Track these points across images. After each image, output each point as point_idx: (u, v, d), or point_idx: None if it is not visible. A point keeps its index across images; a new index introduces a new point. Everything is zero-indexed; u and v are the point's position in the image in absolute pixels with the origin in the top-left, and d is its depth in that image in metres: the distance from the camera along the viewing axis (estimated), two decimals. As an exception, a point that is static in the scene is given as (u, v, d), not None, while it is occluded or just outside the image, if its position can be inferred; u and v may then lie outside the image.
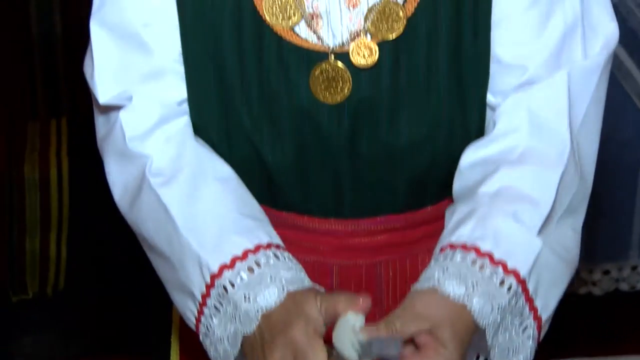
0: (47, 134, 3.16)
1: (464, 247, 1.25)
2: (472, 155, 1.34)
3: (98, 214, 2.79)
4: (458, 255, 1.24)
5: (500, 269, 1.23)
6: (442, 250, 1.27)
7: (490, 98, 1.35)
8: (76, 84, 3.17)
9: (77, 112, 3.23)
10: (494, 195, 1.29)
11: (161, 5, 1.33)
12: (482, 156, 1.33)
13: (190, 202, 1.31)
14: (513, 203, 1.27)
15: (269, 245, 1.27)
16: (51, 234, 3.05)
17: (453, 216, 1.31)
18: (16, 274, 3.02)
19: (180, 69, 1.35)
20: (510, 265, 1.23)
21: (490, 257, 1.23)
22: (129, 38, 1.33)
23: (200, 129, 1.36)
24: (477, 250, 1.24)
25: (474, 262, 1.23)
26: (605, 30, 1.34)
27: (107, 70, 1.34)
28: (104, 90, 1.34)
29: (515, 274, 1.23)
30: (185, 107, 1.36)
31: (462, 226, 1.27)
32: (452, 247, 1.26)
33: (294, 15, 1.31)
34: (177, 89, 1.35)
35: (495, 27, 1.33)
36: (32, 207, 3.03)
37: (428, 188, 1.39)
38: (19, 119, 3.19)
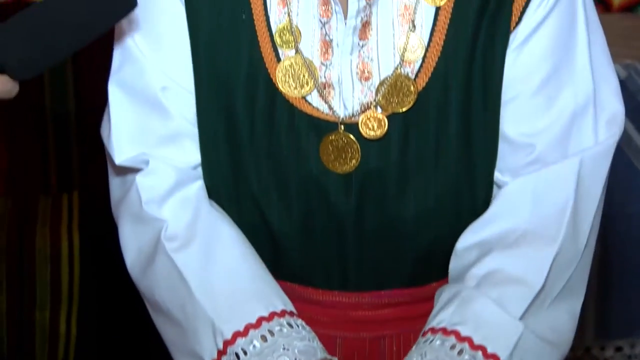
0: (58, 208, 3.16)
1: (444, 332, 1.25)
2: (470, 239, 1.33)
3: (109, 288, 2.79)
4: (437, 340, 1.25)
5: (479, 354, 1.23)
6: (424, 334, 1.27)
7: (497, 175, 1.35)
8: (88, 159, 3.20)
9: (89, 187, 3.25)
10: (481, 278, 1.29)
11: (179, 68, 1.34)
12: (479, 239, 1.32)
13: (205, 267, 1.30)
14: (498, 286, 1.27)
15: (282, 313, 1.28)
16: (61, 308, 3.03)
17: (439, 299, 1.31)
18: (25, 348, 3.00)
19: (196, 132, 1.35)
20: (490, 350, 1.23)
21: (470, 341, 1.24)
22: (147, 101, 1.34)
23: (212, 192, 1.37)
24: (456, 335, 1.24)
25: (453, 347, 1.23)
26: (614, 111, 1.34)
27: (124, 131, 1.35)
28: (120, 151, 1.34)
29: (495, 358, 1.23)
30: (200, 170, 1.37)
31: (444, 310, 1.28)
32: (433, 331, 1.26)
33: (307, 84, 1.32)
34: (192, 152, 1.36)
35: (504, 105, 1.33)
36: (43, 280, 3.02)
37: (433, 263, 1.39)
38: (30, 193, 3.20)
